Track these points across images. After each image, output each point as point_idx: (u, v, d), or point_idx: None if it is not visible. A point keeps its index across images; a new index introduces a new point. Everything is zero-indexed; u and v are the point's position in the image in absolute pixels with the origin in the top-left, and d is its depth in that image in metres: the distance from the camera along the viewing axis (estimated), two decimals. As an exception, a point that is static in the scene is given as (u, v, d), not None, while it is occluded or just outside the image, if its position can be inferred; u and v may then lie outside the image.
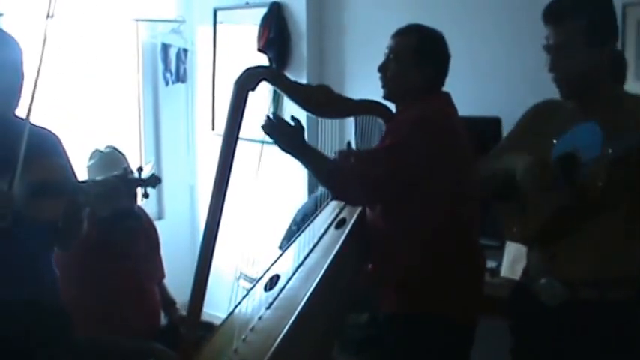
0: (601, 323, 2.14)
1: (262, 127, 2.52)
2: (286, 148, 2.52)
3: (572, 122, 2.15)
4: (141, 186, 2.52)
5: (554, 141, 2.16)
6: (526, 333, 2.33)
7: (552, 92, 2.89)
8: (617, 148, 1.99)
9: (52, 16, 2.36)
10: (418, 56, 2.57)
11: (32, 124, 2.52)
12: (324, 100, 2.54)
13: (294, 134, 2.52)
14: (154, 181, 2.53)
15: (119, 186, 2.46)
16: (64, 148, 2.61)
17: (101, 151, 3.43)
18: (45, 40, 2.35)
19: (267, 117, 2.52)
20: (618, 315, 2.14)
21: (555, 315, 2.21)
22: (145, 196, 2.54)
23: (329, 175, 2.56)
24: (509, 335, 2.42)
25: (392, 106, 2.72)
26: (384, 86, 2.64)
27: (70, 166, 2.62)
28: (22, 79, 2.40)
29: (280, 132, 2.51)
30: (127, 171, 2.55)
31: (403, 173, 2.46)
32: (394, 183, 2.48)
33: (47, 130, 2.59)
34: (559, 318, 2.20)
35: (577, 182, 2.06)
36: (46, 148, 2.50)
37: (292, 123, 2.53)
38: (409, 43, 2.59)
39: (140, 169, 2.53)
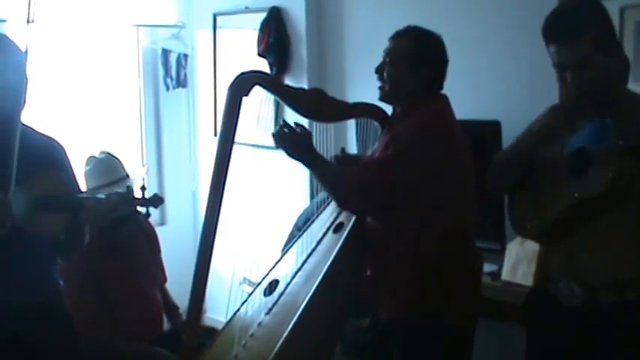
0: (620, 324, 2.15)
1: (273, 134, 2.54)
2: (295, 155, 2.54)
3: (584, 121, 2.16)
4: (143, 205, 2.51)
5: (566, 138, 2.18)
6: (543, 335, 2.33)
7: (551, 95, 2.89)
8: (627, 139, 2.00)
9: (33, 21, 2.35)
10: (414, 60, 2.56)
11: (38, 133, 2.53)
12: (317, 104, 2.55)
13: (303, 141, 2.54)
14: (157, 200, 2.52)
15: (121, 205, 2.45)
16: (68, 160, 2.61)
17: (96, 157, 3.44)
18: (27, 44, 2.34)
19: (280, 125, 2.54)
20: (637, 315, 2.15)
21: (573, 316, 2.21)
22: (147, 215, 2.54)
23: (333, 183, 2.57)
24: (525, 337, 2.42)
25: (387, 108, 2.73)
26: (380, 88, 2.64)
27: (74, 177, 2.61)
28: (26, 83, 2.40)
29: (289, 140, 2.52)
30: (130, 189, 2.54)
31: (405, 183, 2.47)
32: (396, 194, 2.48)
33: (53, 139, 2.58)
34: (577, 319, 2.21)
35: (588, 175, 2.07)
36: (51, 160, 2.50)
37: (299, 130, 2.54)
38: (406, 47, 2.58)
39: (144, 188, 2.52)
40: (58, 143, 2.59)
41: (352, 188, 2.52)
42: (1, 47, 2.40)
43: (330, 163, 2.64)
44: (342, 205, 2.71)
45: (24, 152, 2.29)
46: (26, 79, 2.40)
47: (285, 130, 2.53)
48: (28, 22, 2.36)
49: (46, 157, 2.48)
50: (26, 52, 2.35)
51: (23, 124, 2.39)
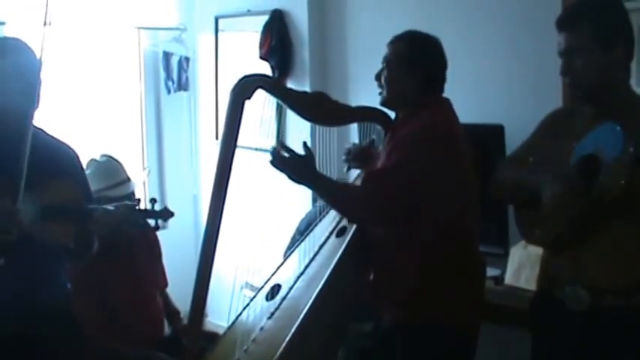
0: (626, 328, 2.14)
1: (271, 162, 2.47)
2: (298, 179, 2.50)
3: (591, 125, 2.15)
4: (152, 218, 2.50)
5: (574, 144, 2.16)
6: (548, 340, 2.32)
7: (555, 99, 2.88)
8: (639, 146, 1.98)
9: (50, 24, 2.35)
10: (408, 61, 2.57)
11: (50, 136, 2.52)
12: (320, 107, 2.54)
13: (305, 165, 2.50)
14: (166, 213, 2.50)
15: (130, 218, 2.44)
16: (81, 165, 2.60)
17: (97, 160, 3.42)
18: (43, 47, 2.34)
19: (274, 150, 2.48)
20: None
21: (579, 320, 2.20)
22: (156, 228, 2.52)
23: (340, 201, 2.57)
24: (529, 341, 2.41)
25: (390, 113, 2.72)
26: (380, 93, 2.64)
27: (85, 184, 2.60)
28: (40, 84, 2.39)
29: (291, 165, 2.48)
30: (139, 202, 2.52)
31: (410, 192, 2.45)
32: (402, 202, 2.47)
33: (66, 145, 2.57)
34: (583, 323, 2.19)
35: (599, 182, 2.05)
36: (61, 166, 2.49)
37: (303, 151, 2.50)
38: (399, 49, 2.60)
39: (154, 200, 2.50)
40: (71, 148, 2.58)
41: (359, 201, 2.51)
42: (13, 49, 2.40)
43: (334, 182, 2.61)
44: (351, 219, 2.71)
45: (35, 156, 2.28)
46: (40, 81, 2.39)
47: (285, 153, 2.48)
48: (45, 24, 2.36)
49: (57, 162, 2.47)
50: (41, 54, 2.34)
51: (35, 127, 2.38)
